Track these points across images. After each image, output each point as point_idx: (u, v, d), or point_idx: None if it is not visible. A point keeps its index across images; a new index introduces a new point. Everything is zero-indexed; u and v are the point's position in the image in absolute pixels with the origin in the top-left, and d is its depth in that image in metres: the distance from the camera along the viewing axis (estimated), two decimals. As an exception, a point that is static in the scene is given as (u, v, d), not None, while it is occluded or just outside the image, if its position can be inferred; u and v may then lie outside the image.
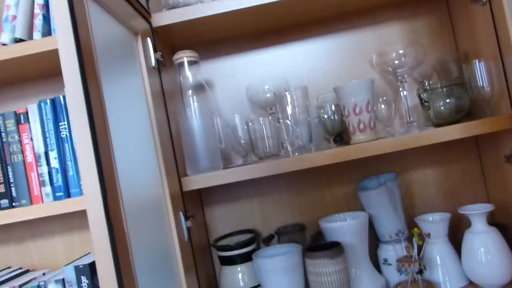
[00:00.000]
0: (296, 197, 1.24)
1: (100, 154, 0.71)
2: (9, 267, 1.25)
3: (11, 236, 1.28)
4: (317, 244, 1.05)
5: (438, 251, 1.08)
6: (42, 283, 1.04)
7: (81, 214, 1.26)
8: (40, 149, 1.03)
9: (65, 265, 1.05)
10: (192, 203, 1.14)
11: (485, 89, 1.01)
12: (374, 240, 1.19)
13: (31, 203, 1.03)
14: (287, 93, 1.03)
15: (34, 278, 1.08)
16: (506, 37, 0.93)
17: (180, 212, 0.96)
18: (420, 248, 1.06)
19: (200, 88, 1.04)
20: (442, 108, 1.05)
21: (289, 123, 1.05)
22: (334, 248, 0.99)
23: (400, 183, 1.21)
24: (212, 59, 1.26)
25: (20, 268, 1.23)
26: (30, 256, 1.27)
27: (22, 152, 1.04)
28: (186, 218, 0.99)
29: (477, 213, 1.04)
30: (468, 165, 1.21)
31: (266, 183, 1.24)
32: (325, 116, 1.10)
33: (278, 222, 1.24)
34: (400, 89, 1.07)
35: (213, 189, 1.25)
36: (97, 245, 0.69)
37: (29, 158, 1.04)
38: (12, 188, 1.03)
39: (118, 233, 0.71)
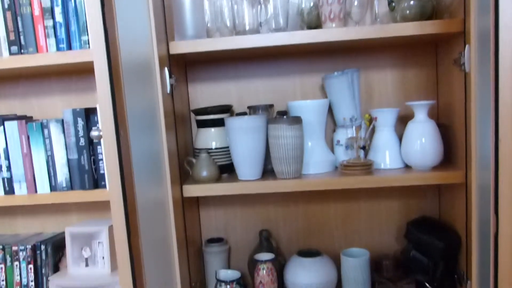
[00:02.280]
0: (269, 82, 1.40)
1: (106, 14, 0.85)
2: (15, 114, 1.43)
3: (17, 92, 1.45)
4: (280, 116, 1.22)
5: (383, 138, 1.26)
6: (44, 122, 1.23)
7: (77, 77, 1.42)
8: (47, 4, 1.16)
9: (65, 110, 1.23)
10: (178, 75, 1.29)
11: (447, -5, 1.14)
12: (332, 129, 1.38)
13: (37, 51, 1.18)
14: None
15: (38, 119, 1.26)
16: None
17: (166, 68, 1.12)
18: (367, 130, 1.24)
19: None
20: (407, 10, 1.17)
21: (269, 6, 1.18)
22: (293, 117, 1.17)
23: (362, 80, 1.37)
24: None
25: (25, 116, 1.41)
26: (33, 111, 1.45)
27: (30, 5, 1.17)
28: (170, 76, 1.15)
29: (419, 105, 1.20)
30: (425, 70, 1.36)
31: (244, 67, 1.40)
32: (303, 7, 1.23)
33: (251, 102, 1.41)
34: (373, -12, 1.19)
35: (197, 67, 1.40)
36: (100, 90, 0.84)
37: (37, 11, 1.17)
38: (21, 37, 1.18)
39: (116, 82, 0.87)
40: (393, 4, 1.19)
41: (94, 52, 0.83)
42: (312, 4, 1.23)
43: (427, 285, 1.23)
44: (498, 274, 0.87)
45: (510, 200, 0.83)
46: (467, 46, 1.07)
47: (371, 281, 1.27)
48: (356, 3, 1.21)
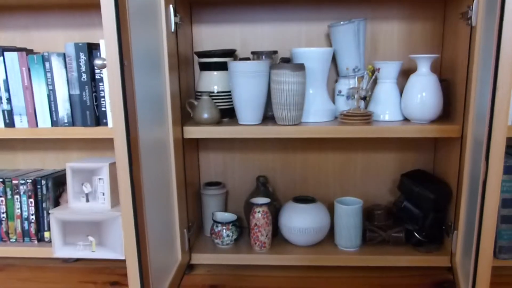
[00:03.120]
0: (275, 28, 1.38)
1: None
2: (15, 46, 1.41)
3: (18, 24, 1.42)
4: (283, 63, 1.22)
5: (385, 90, 1.27)
6: (46, 54, 1.22)
7: (81, 11, 1.40)
8: None
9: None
10: (183, 15, 1.27)
11: None
12: (335, 80, 1.39)
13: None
14: None
15: (39, 52, 1.25)
16: None
17: (171, 5, 1.10)
18: (369, 80, 1.25)
19: None
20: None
21: None
22: (296, 64, 1.17)
23: (368, 31, 1.36)
24: None
25: (25, 48, 1.39)
26: (34, 44, 1.43)
27: None
28: (175, 15, 1.13)
29: (423, 58, 1.20)
30: (432, 24, 1.35)
31: (249, 11, 1.38)
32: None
33: (255, 48, 1.40)
34: None
35: (202, 8, 1.38)
36: (105, 20, 0.83)
37: None
38: (23, -36, 1.15)
39: (122, 14, 0.85)
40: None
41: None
42: None
43: (416, 234, 1.28)
44: (483, 221, 0.91)
45: (502, 147, 0.85)
46: (476, -1, 1.06)
47: (363, 229, 1.32)
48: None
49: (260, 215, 1.29)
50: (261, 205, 1.30)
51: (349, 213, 1.30)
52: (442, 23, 1.34)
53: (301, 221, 1.30)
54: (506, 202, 1.20)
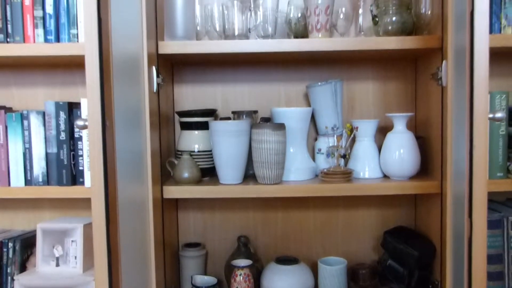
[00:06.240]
0: (255, 88, 1.42)
1: (101, 6, 0.85)
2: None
3: (-3, 82, 1.42)
4: (264, 122, 1.24)
5: (363, 147, 1.29)
6: (25, 112, 1.20)
7: (62, 70, 1.41)
8: (37, -6, 1.16)
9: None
10: (165, 75, 1.30)
11: (426, 13, 1.20)
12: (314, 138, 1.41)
13: (24, 41, 1.17)
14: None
15: (17, 110, 1.23)
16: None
17: (154, 67, 1.13)
18: (348, 139, 1.27)
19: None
20: (389, 26, 1.23)
21: (259, 13, 1.21)
22: (277, 123, 1.19)
23: (344, 91, 1.41)
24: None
25: (4, 106, 1.37)
26: (13, 101, 1.41)
27: (21, -6, 1.16)
28: (157, 75, 1.15)
29: (398, 117, 1.25)
30: (405, 84, 1.41)
31: (230, 72, 1.42)
32: (291, 16, 1.27)
33: (235, 107, 1.42)
34: (359, 3, 1.25)
35: (184, 69, 1.41)
36: (89, 80, 0.84)
37: (27, 1, 1.16)
38: (9, 25, 1.16)
39: (106, 75, 0.86)
40: (377, 19, 1.24)
41: (86, 42, 0.83)
42: (300, 14, 1.27)
43: (402, 294, 1.24)
44: (472, 277, 0.89)
45: (483, 204, 0.86)
46: (444, 61, 1.13)
47: (347, 290, 1.28)
48: (342, 16, 1.26)
49: (241, 278, 1.24)
50: (243, 267, 1.25)
51: (333, 273, 1.26)
52: (414, 83, 1.41)
53: (284, 284, 1.25)
54: (492, 258, 1.19)
